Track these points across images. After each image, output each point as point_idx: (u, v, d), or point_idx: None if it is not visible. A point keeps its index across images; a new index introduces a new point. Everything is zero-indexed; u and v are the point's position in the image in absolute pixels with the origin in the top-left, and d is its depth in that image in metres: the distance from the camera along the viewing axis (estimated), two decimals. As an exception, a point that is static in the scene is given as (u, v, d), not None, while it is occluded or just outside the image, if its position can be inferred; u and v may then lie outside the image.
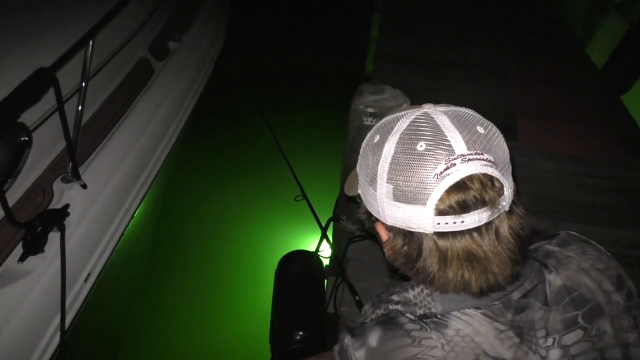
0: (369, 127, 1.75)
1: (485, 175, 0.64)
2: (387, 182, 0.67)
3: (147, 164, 2.12)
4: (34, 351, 1.44)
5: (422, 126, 0.66)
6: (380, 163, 0.68)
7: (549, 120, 3.33)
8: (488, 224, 0.65)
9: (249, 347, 2.78)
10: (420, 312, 0.74)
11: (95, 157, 1.85)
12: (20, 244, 1.52)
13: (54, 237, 1.58)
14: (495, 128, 0.68)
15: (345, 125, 1.84)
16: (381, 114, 1.66)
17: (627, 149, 3.09)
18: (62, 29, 1.86)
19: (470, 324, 0.69)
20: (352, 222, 2.11)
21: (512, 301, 0.71)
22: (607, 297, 0.74)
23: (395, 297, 0.79)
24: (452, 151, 0.63)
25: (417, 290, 0.77)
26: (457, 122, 0.66)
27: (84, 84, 1.72)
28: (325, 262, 2.33)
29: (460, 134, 0.64)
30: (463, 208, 0.63)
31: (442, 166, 0.63)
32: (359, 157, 0.77)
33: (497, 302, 0.71)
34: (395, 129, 0.68)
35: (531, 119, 3.31)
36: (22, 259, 1.49)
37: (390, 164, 0.67)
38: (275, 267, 2.14)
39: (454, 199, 0.63)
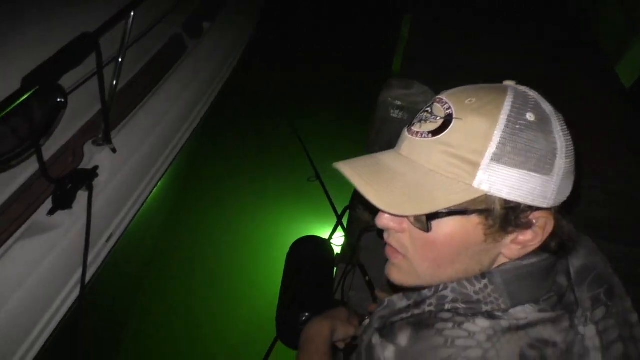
0: (396, 120, 1.78)
1: None
2: (566, 158, 0.64)
3: (174, 136, 2.18)
4: (54, 300, 1.50)
5: (543, 99, 0.69)
6: (557, 140, 0.64)
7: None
8: None
9: (255, 323, 2.83)
10: (486, 308, 0.68)
11: (126, 124, 1.91)
12: (51, 199, 1.59)
13: (81, 196, 1.64)
14: None
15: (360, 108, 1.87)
16: (408, 108, 1.70)
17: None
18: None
19: (526, 316, 0.67)
20: (369, 212, 2.14)
21: (560, 286, 0.72)
22: (615, 277, 0.77)
23: (449, 294, 0.71)
24: None
25: (479, 285, 0.69)
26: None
27: (122, 53, 1.78)
28: (337, 250, 2.37)
29: None
30: None
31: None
32: (499, 146, 0.63)
33: (552, 293, 0.70)
34: (541, 101, 0.68)
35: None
36: (51, 212, 1.56)
37: (564, 138, 0.65)
38: (287, 250, 2.18)
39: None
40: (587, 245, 0.80)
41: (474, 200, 0.65)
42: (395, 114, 1.72)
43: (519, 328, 0.65)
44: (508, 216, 0.65)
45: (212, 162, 4.04)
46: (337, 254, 2.37)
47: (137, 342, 2.84)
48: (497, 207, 0.65)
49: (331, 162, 0.75)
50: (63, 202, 1.58)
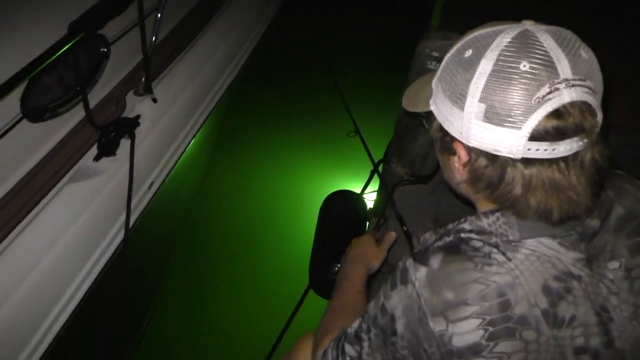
0: (432, 72, 1.74)
1: (584, 103, 0.62)
2: (479, 101, 0.64)
3: (213, 87, 2.22)
4: (102, 240, 1.60)
5: (525, 44, 0.62)
6: (473, 80, 0.64)
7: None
8: (575, 153, 0.63)
9: (289, 273, 2.92)
10: (496, 239, 0.71)
11: (166, 74, 1.95)
12: (96, 146, 1.66)
13: (124, 143, 1.70)
14: (593, 54, 0.65)
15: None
16: (446, 59, 1.65)
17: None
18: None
19: (544, 251, 0.69)
20: (402, 165, 2.13)
21: (587, 227, 0.72)
22: None
23: (467, 226, 0.76)
24: (557, 74, 0.61)
25: (492, 218, 0.73)
26: (562, 43, 0.63)
27: (162, 2, 1.80)
28: (369, 204, 2.39)
29: (566, 56, 0.61)
30: (559, 135, 0.61)
31: (545, 89, 0.60)
32: (440, 71, 0.73)
33: (573, 232, 0.70)
34: (494, 44, 0.64)
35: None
36: (96, 158, 1.63)
37: (487, 82, 0.63)
38: (321, 204, 2.22)
39: (551, 125, 0.61)
40: (636, 196, 0.79)
41: (431, 114, 0.77)
42: (433, 65, 1.67)
43: (541, 259, 0.68)
44: (438, 135, 0.76)
45: (249, 115, 4.08)
46: (370, 208, 2.40)
47: (166, 304, 2.88)
48: (434, 123, 0.76)
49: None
50: (108, 149, 1.65)
